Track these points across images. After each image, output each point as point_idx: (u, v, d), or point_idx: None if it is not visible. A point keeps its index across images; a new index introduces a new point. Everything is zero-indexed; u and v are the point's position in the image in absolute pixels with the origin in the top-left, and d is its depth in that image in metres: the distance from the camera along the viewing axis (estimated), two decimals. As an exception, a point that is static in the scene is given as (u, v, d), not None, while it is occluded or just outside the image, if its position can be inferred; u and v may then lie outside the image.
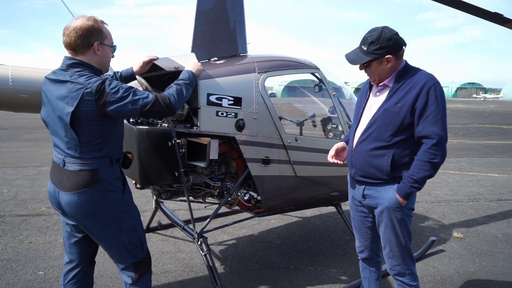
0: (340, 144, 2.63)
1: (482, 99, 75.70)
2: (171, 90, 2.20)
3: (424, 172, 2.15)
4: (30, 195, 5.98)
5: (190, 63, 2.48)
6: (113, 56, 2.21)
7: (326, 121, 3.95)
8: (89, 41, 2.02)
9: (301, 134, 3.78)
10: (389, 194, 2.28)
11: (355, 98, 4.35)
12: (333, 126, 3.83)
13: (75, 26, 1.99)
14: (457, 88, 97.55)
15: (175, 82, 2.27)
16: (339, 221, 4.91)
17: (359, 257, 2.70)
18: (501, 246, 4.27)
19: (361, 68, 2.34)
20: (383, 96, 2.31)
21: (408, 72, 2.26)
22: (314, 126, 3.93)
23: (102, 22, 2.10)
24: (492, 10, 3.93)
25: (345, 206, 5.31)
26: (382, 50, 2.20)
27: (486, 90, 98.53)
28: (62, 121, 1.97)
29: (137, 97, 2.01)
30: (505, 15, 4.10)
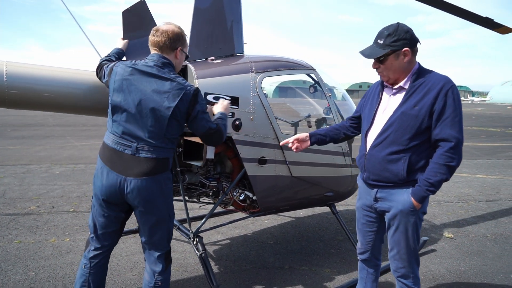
0: (303, 135, 2.64)
1: (469, 102, 77.10)
2: (221, 124, 2.43)
3: (441, 175, 2.11)
4: (18, 194, 5.87)
5: (220, 104, 2.65)
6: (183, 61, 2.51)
7: (321, 121, 3.97)
8: (175, 45, 2.30)
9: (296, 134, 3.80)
10: (403, 197, 2.23)
11: (349, 98, 4.40)
12: (327, 127, 3.85)
13: (166, 29, 2.28)
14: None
15: (218, 117, 2.49)
16: (333, 221, 4.95)
17: (358, 258, 2.68)
18: (490, 246, 4.35)
19: (375, 66, 2.27)
20: (399, 98, 2.25)
21: (423, 73, 2.22)
22: (309, 126, 3.95)
23: (185, 34, 2.40)
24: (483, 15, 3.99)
25: (339, 206, 5.35)
26: (399, 42, 2.15)
27: (473, 93, 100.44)
28: (157, 112, 2.19)
29: (209, 121, 2.34)
30: (495, 20, 4.19)
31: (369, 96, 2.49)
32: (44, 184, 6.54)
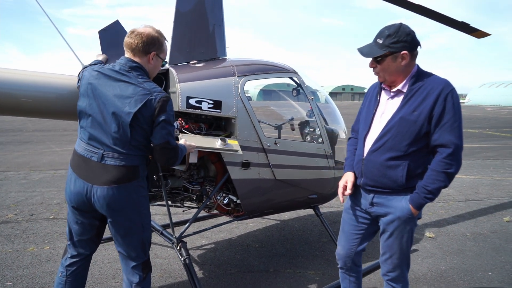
0: (352, 176, 2.38)
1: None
2: (180, 147, 2.33)
3: (439, 183, 2.06)
4: (-4, 202, 5.69)
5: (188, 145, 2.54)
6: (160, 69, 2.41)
7: (303, 124, 3.99)
8: (148, 49, 2.20)
9: (279, 137, 3.81)
10: (401, 204, 2.18)
11: (331, 101, 4.44)
12: (311, 129, 3.88)
13: (142, 31, 2.18)
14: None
15: (180, 144, 2.38)
16: (317, 223, 4.98)
17: (338, 266, 2.59)
18: (469, 245, 4.46)
19: (371, 65, 2.20)
20: (397, 101, 2.18)
21: (422, 76, 2.14)
22: (293, 129, 3.97)
23: (165, 38, 2.30)
24: (459, 19, 4.10)
25: (323, 208, 5.39)
26: (399, 44, 2.07)
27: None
28: (118, 118, 2.09)
29: (171, 134, 2.19)
30: (471, 25, 4.32)
31: (368, 99, 2.41)
32: (23, 191, 6.36)
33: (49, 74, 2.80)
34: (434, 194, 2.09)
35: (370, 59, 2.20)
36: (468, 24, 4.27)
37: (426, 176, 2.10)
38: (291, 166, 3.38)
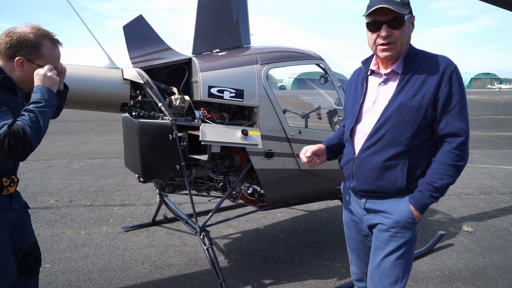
0: (322, 147, 2.08)
1: (497, 89, 74.06)
2: (25, 119, 1.66)
3: (448, 178, 1.74)
4: (40, 188, 6.06)
5: (37, 76, 1.81)
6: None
7: (332, 113, 3.87)
8: (13, 53, 1.77)
9: (306, 126, 3.72)
10: (399, 206, 1.81)
11: None
12: (339, 118, 3.75)
13: (10, 31, 1.79)
14: (471, 78, 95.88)
15: (25, 108, 1.73)
16: (346, 215, 4.85)
17: (355, 286, 2.24)
18: (512, 241, 4.16)
19: (386, 33, 1.72)
20: (391, 86, 1.81)
21: (417, 55, 1.80)
22: (319, 118, 3.86)
23: (52, 40, 1.85)
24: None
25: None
26: (409, 7, 1.73)
27: (501, 81, 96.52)
28: None
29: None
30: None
31: (352, 87, 2.03)
32: (64, 178, 6.73)
33: (92, 67, 2.90)
34: (441, 192, 1.76)
35: (382, 27, 1.73)
36: (516, 2, 3.92)
37: (431, 171, 1.76)
38: (316, 156, 3.29)
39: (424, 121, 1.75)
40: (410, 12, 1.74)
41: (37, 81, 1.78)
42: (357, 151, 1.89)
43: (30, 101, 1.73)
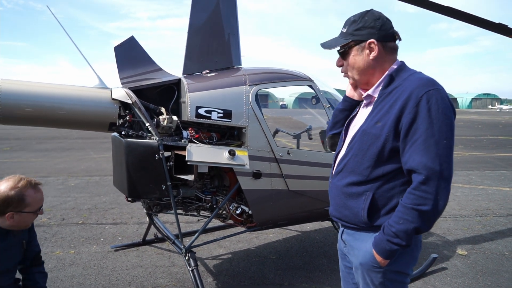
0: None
1: (497, 110, 74.32)
2: None
3: (406, 223, 1.47)
4: (33, 206, 6.03)
5: None
6: (35, 217, 2.13)
7: (324, 133, 3.88)
8: (1, 211, 1.96)
9: (298, 147, 3.73)
10: (365, 246, 1.64)
11: None
12: None
13: None
14: (472, 99, 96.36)
15: None
16: (339, 236, 4.79)
17: None
18: (507, 265, 4.08)
19: (338, 64, 1.77)
20: (368, 111, 1.70)
21: (401, 76, 1.63)
22: (310, 138, 3.87)
23: (33, 187, 2.02)
24: (496, 21, 3.84)
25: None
26: (364, 30, 1.63)
27: (502, 101, 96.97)
28: None
29: None
30: (510, 26, 4.01)
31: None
32: (58, 196, 6.71)
33: (81, 87, 2.95)
34: (402, 239, 1.48)
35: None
36: (507, 26, 3.98)
37: (395, 212, 1.54)
38: (305, 176, 3.28)
39: (383, 151, 1.56)
40: (359, 39, 1.65)
41: None
42: (332, 175, 1.83)
43: None
